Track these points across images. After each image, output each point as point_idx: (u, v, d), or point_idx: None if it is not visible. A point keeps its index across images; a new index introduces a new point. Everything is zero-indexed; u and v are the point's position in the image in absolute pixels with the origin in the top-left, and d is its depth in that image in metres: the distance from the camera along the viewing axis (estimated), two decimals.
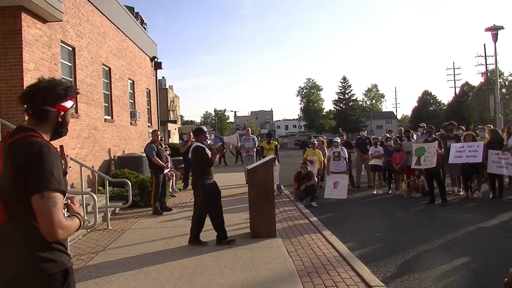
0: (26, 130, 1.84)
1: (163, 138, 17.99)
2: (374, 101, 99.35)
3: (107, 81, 12.45)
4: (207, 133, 6.49)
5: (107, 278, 4.71)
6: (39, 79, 1.96)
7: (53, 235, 1.70)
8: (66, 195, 1.87)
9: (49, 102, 1.89)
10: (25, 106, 1.90)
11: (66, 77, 9.41)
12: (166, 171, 9.23)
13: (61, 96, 1.94)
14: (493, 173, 9.29)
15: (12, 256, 1.73)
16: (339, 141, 11.39)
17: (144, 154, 10.12)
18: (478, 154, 9.16)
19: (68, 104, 1.99)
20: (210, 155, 6.05)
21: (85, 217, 6.53)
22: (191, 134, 13.64)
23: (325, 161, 11.51)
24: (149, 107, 17.99)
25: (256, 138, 13.74)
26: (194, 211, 6.18)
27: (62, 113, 1.96)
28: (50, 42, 8.59)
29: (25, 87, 1.96)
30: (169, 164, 9.41)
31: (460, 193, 9.96)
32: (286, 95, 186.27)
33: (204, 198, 5.99)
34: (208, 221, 7.45)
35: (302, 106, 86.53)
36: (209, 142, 6.44)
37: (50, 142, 1.90)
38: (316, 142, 12.21)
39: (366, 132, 14.02)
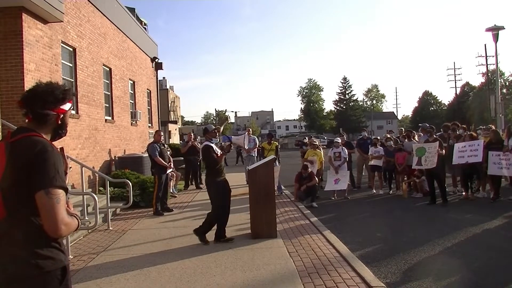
0: (28, 130, 1.88)
1: (163, 139, 18.01)
2: (374, 102, 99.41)
3: (107, 82, 12.46)
4: (213, 131, 6.52)
5: (107, 278, 4.71)
6: (37, 83, 1.99)
7: (56, 231, 1.73)
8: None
9: (48, 106, 1.94)
10: (24, 110, 1.93)
11: (66, 78, 9.42)
12: (169, 171, 9.22)
13: (60, 99, 1.98)
14: (494, 174, 9.29)
15: (11, 254, 1.75)
16: (339, 141, 11.40)
17: (145, 155, 10.13)
18: (478, 154, 9.18)
19: (67, 106, 2.03)
20: (217, 155, 6.20)
21: (86, 218, 6.55)
22: (192, 134, 13.70)
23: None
24: (149, 108, 17.99)
25: (257, 139, 13.75)
26: (211, 211, 6.20)
27: (62, 115, 2.01)
28: (51, 43, 8.59)
29: (26, 87, 1.99)
30: (171, 164, 9.39)
31: (462, 193, 9.95)
32: (286, 95, 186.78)
33: (217, 195, 6.13)
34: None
35: (302, 106, 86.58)
36: (218, 140, 6.47)
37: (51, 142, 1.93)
38: (316, 142, 12.21)
39: (367, 132, 14.03)
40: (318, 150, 11.37)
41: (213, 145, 6.29)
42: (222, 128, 7.71)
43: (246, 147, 11.73)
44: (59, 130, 2.04)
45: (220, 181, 6.18)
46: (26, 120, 1.95)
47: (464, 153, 9.44)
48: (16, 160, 1.76)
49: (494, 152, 9.15)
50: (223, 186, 6.24)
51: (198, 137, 19.42)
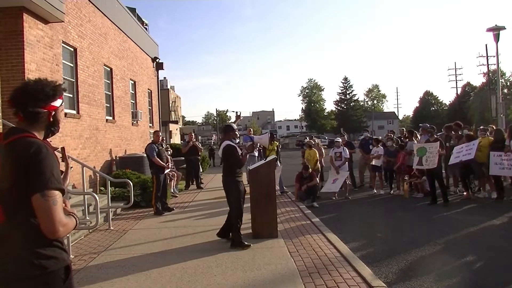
0: (21, 131, 1.86)
1: (164, 139, 18.04)
2: (375, 102, 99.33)
3: (108, 82, 12.47)
4: (236, 131, 6.35)
5: (108, 278, 4.72)
6: (26, 81, 1.97)
7: (54, 233, 1.72)
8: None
9: (39, 104, 1.91)
10: (14, 109, 1.91)
11: (67, 78, 9.44)
12: (166, 171, 9.23)
13: (51, 96, 1.95)
14: (495, 174, 9.29)
15: (14, 255, 1.75)
16: (340, 141, 11.38)
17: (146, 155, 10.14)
18: (471, 152, 9.19)
19: (58, 103, 2.00)
20: (241, 155, 6.04)
21: (87, 217, 6.55)
22: (192, 134, 13.70)
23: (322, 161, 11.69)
24: (150, 108, 18.00)
25: None
26: (230, 214, 6.02)
27: (53, 112, 1.98)
28: (52, 43, 8.60)
29: None
30: (170, 164, 9.40)
31: (463, 193, 9.95)
32: (287, 95, 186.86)
33: (238, 195, 5.96)
34: (215, 221, 7.40)
35: (303, 106, 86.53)
36: (237, 140, 6.35)
37: (46, 141, 1.92)
38: (313, 142, 12.19)
39: (369, 133, 14.03)
40: (312, 150, 11.28)
41: (235, 145, 6.13)
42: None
43: (268, 146, 11.71)
44: (52, 128, 2.01)
45: (240, 181, 6.05)
46: (17, 120, 1.93)
47: (459, 153, 9.46)
48: (12, 163, 1.75)
49: (495, 153, 9.13)
50: (242, 187, 6.10)
51: (199, 137, 19.43)
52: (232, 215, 5.97)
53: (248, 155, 12.81)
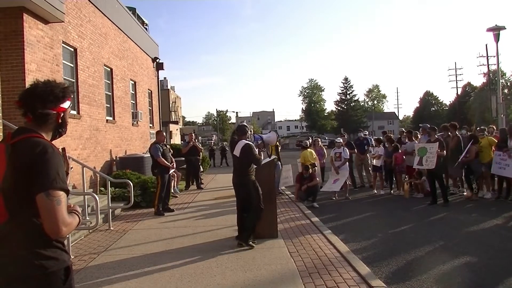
0: (28, 131, 1.87)
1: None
2: (375, 102, 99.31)
3: (108, 82, 12.48)
4: (249, 131, 6.39)
5: (108, 278, 4.72)
6: (35, 82, 1.98)
7: (57, 233, 1.73)
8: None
9: (49, 105, 1.92)
10: (23, 110, 1.92)
11: (68, 78, 9.44)
12: (171, 171, 9.20)
13: (60, 98, 1.96)
14: (495, 174, 9.32)
15: (14, 255, 1.75)
16: (341, 141, 11.38)
17: (146, 155, 10.14)
18: (463, 153, 9.39)
19: (66, 104, 2.02)
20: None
21: (87, 218, 6.55)
22: (193, 135, 13.69)
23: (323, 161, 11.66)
24: (150, 108, 18.00)
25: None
26: (253, 212, 5.91)
27: (62, 114, 2.00)
28: (52, 43, 8.61)
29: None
30: (174, 164, 9.37)
31: (464, 194, 9.95)
32: (287, 95, 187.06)
33: (257, 193, 5.90)
34: (215, 221, 7.37)
35: (304, 106, 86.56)
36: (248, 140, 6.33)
37: (52, 142, 1.93)
38: (308, 143, 12.18)
39: (366, 133, 14.07)
40: (304, 151, 11.20)
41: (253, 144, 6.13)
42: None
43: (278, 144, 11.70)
44: (60, 129, 2.03)
45: (255, 180, 5.98)
46: (25, 120, 1.94)
47: (461, 156, 9.54)
48: (17, 162, 1.76)
49: (497, 152, 9.20)
50: (257, 184, 6.03)
51: (200, 137, 19.41)
52: (254, 213, 5.87)
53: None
